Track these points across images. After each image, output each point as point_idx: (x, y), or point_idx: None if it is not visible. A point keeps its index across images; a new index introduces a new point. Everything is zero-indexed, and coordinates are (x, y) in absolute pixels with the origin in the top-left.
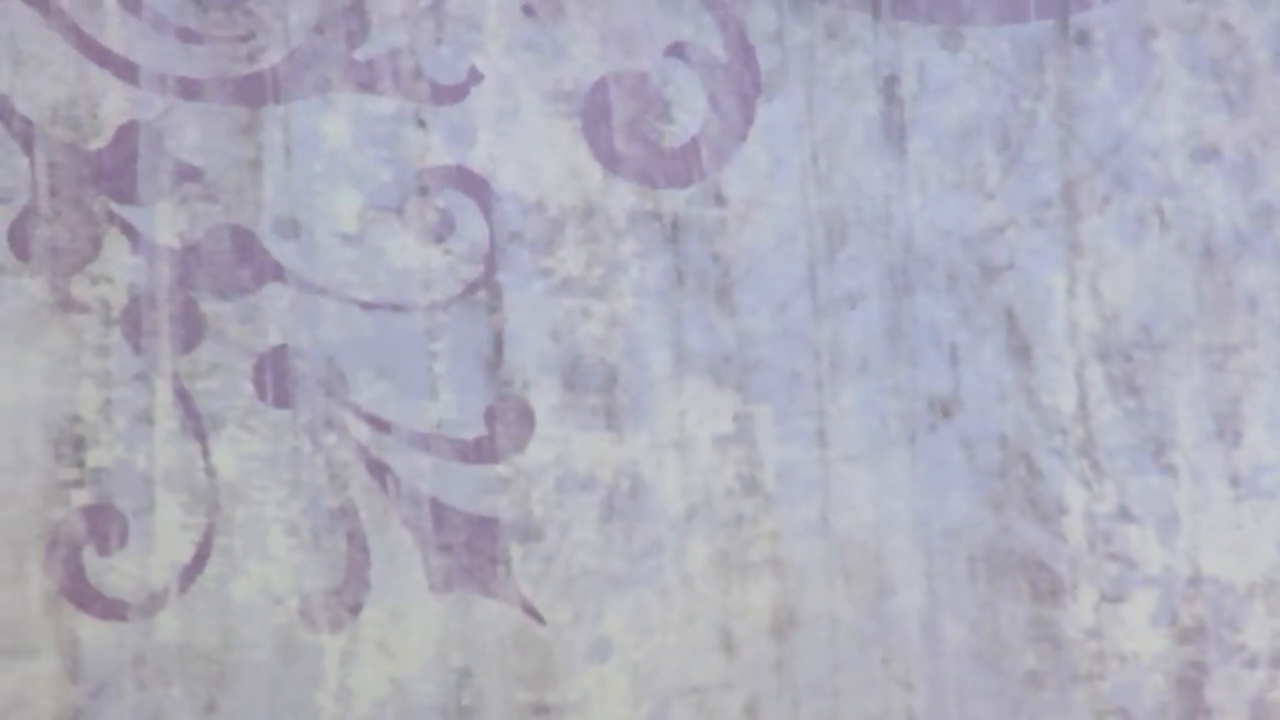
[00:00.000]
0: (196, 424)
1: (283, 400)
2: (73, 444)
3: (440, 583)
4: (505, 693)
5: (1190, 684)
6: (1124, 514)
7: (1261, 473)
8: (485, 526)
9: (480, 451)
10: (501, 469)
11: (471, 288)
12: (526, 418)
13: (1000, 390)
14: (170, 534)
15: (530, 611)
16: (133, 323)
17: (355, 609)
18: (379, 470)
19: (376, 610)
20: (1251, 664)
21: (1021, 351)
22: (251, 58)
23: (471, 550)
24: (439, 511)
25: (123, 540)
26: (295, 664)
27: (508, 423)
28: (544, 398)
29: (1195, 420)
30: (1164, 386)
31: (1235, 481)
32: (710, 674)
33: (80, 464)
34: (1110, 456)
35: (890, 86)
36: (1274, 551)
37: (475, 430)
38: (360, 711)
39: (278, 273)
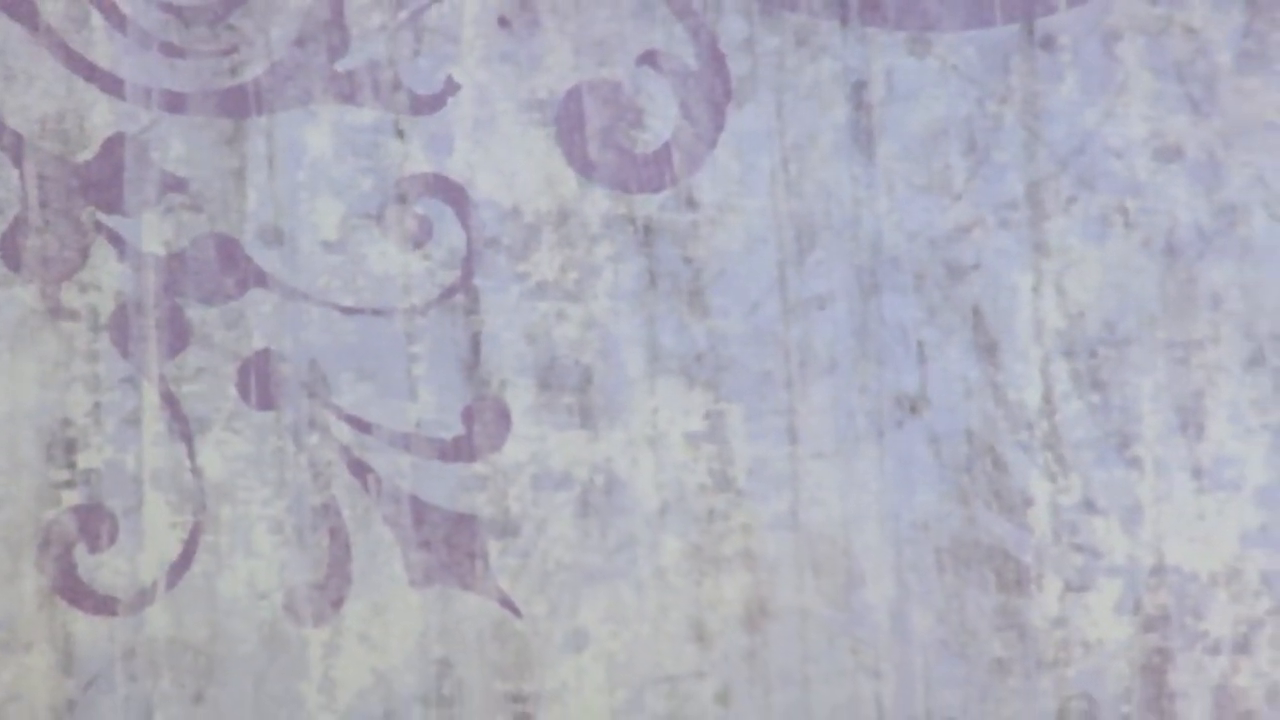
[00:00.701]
0: (183, 426)
1: (266, 402)
2: (64, 446)
3: (420, 578)
4: (484, 683)
5: (1154, 670)
6: (1088, 505)
7: (1224, 465)
8: (464, 523)
9: (458, 450)
10: (479, 467)
11: (449, 292)
12: (503, 417)
13: (966, 386)
14: (158, 532)
15: (508, 605)
16: (121, 329)
17: (338, 603)
18: (360, 469)
19: (359, 604)
20: (1214, 650)
21: (988, 349)
22: (234, 71)
23: (450, 546)
24: (419, 509)
25: (113, 538)
26: (280, 656)
27: (485, 422)
28: (520, 398)
29: (1159, 414)
30: (1128, 381)
31: (1198, 473)
32: (683, 664)
33: (71, 465)
34: (1075, 450)
35: (858, 92)
36: (1236, 541)
37: (454, 430)
38: (344, 702)
39: (261, 279)
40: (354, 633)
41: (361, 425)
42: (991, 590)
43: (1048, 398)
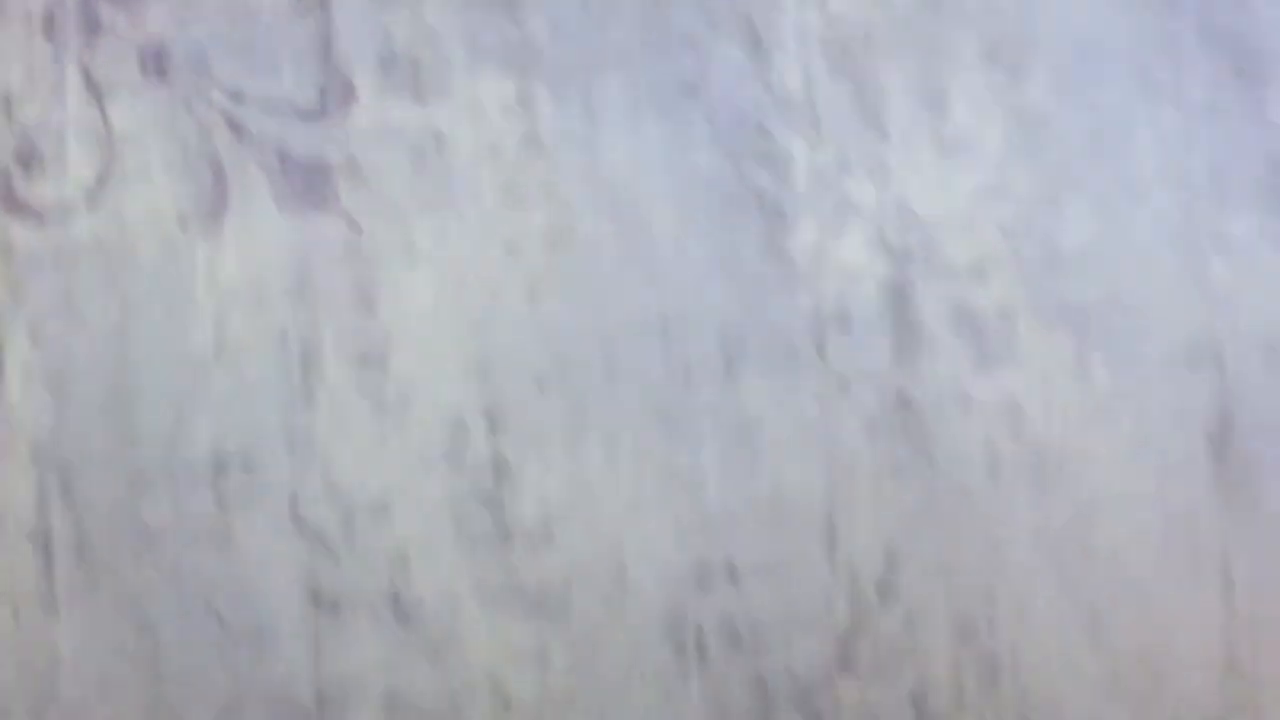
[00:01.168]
0: (96, 94)
1: (162, 77)
2: (4, 105)
3: (286, 206)
4: (338, 283)
5: (899, 293)
6: (842, 166)
7: (964, 136)
8: (319, 167)
9: (313, 115)
10: (331, 128)
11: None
12: (351, 92)
13: (739, 76)
14: (79, 168)
15: (354, 226)
16: (48, 23)
17: (219, 218)
18: (237, 127)
19: (235, 220)
20: (952, 275)
21: (756, 45)
22: None
23: (308, 184)
24: (284, 157)
25: (43, 171)
26: (173, 256)
27: (336, 95)
28: (365, 79)
29: (907, 96)
30: (880, 71)
31: (940, 143)
32: (497, 270)
33: (10, 119)
34: (831, 123)
35: None
36: (974, 196)
37: (311, 101)
38: (224, 290)
39: None
40: (233, 243)
41: (238, 96)
42: (757, 226)
43: (808, 84)
